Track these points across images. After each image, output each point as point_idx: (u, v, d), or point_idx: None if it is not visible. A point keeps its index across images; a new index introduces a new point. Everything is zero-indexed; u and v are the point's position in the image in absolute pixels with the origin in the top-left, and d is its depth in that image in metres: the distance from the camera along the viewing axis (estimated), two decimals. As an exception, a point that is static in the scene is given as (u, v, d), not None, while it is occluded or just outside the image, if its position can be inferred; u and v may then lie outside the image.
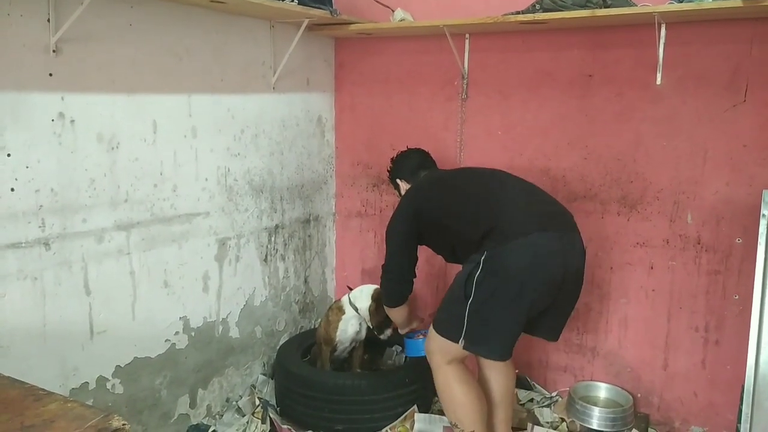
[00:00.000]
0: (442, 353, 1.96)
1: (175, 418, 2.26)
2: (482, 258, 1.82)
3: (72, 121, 1.83)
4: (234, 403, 2.51)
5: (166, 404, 2.23)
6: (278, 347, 2.69)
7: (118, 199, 1.98)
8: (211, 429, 2.29)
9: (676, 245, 2.28)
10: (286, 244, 2.75)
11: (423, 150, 2.39)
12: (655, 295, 2.34)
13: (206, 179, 2.29)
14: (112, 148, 1.95)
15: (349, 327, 2.53)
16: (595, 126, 2.38)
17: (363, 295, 2.52)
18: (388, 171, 2.42)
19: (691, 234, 2.25)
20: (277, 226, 2.67)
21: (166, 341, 2.20)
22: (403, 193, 2.31)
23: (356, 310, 2.50)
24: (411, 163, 2.34)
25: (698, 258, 2.24)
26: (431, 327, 1.99)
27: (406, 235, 2.12)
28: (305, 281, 2.91)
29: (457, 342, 1.87)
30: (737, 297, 2.18)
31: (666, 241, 2.29)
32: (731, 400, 1.84)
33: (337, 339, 2.53)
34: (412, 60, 2.75)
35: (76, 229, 1.86)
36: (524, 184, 2.07)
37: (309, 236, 2.90)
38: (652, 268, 2.33)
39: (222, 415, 2.45)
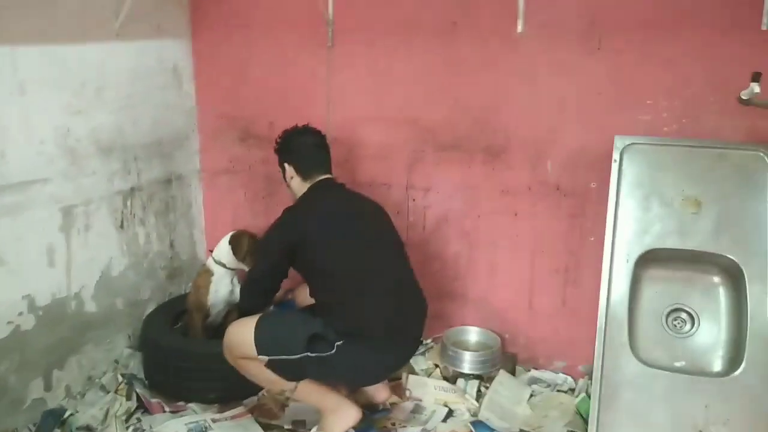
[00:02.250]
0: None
1: (28, 404, 2.07)
2: (336, 344, 1.88)
3: None
4: (97, 380, 2.34)
5: (16, 390, 2.02)
6: (144, 318, 2.52)
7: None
8: (68, 412, 2.11)
9: (538, 192, 2.35)
10: (145, 208, 2.54)
11: (318, 133, 2.18)
12: (520, 241, 2.42)
13: (41, 142, 2.03)
14: None
15: (221, 287, 2.41)
16: (461, 76, 2.36)
17: (222, 248, 2.40)
18: (275, 146, 2.20)
19: (551, 181, 2.33)
20: (132, 189, 2.45)
21: (8, 323, 1.97)
22: (288, 179, 2.15)
23: (223, 266, 2.39)
24: (305, 152, 2.14)
25: (558, 203, 2.33)
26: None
27: (281, 254, 2.01)
28: (171, 245, 2.73)
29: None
30: (593, 239, 2.30)
31: (528, 189, 2.36)
32: (590, 335, 1.97)
33: (209, 303, 2.41)
34: (275, 3, 2.57)
35: None
36: (398, 272, 2.06)
37: (172, 197, 2.70)
38: (516, 215, 2.40)
39: (84, 395, 2.28)
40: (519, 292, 2.48)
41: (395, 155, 2.53)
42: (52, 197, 2.09)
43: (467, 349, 2.44)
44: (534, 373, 2.48)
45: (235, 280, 2.45)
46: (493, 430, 2.11)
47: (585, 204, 2.29)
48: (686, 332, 2.01)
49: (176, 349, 2.30)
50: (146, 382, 2.37)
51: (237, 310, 2.49)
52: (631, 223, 2.00)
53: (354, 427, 2.04)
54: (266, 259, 2.08)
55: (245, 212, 2.85)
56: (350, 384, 2.15)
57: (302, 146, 2.14)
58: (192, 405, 2.27)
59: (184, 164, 2.75)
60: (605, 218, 2.02)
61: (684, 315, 2.02)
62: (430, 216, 2.54)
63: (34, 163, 2.01)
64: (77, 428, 2.09)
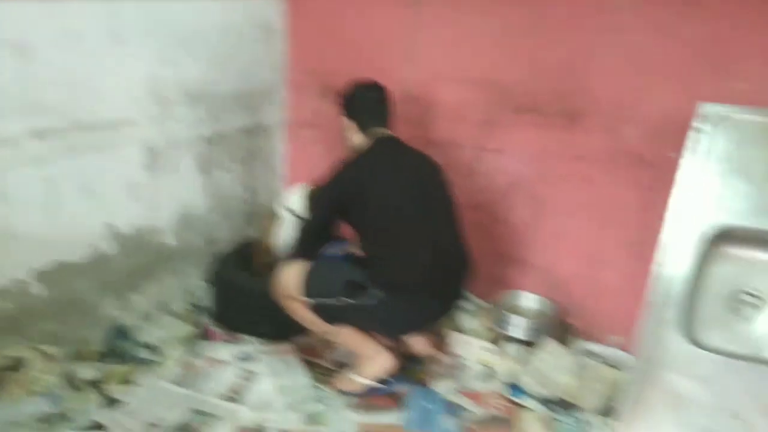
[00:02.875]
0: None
1: (102, 319, 2.36)
2: (376, 295, 1.96)
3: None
4: (169, 307, 2.61)
5: (93, 306, 2.30)
6: (220, 256, 2.75)
7: (34, 107, 1.95)
8: (136, 330, 2.38)
9: (614, 160, 2.23)
10: (229, 154, 2.73)
11: (381, 88, 2.22)
12: (591, 210, 2.33)
13: (133, 87, 2.24)
14: (24, 55, 1.89)
15: (288, 234, 2.55)
16: (543, 36, 2.27)
17: (295, 197, 2.53)
18: (337, 98, 2.28)
19: (630, 149, 2.20)
20: (217, 136, 2.64)
21: (90, 246, 2.24)
22: (347, 131, 2.23)
23: (292, 212, 2.52)
24: (366, 106, 2.21)
25: (635, 173, 2.20)
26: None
27: (334, 205, 2.11)
28: (252, 192, 2.92)
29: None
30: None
31: (605, 156, 2.25)
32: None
33: (274, 246, 2.58)
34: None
35: (-17, 137, 1.86)
36: (443, 230, 2.09)
37: (256, 146, 2.87)
38: (590, 182, 2.30)
39: (154, 318, 2.56)
40: (585, 263, 2.40)
41: (470, 115, 2.50)
42: (140, 138, 2.31)
43: (519, 314, 2.41)
44: (589, 345, 2.43)
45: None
46: (530, 394, 2.10)
47: (664, 175, 2.11)
48: (748, 317, 1.83)
49: (237, 285, 2.51)
50: (212, 312, 2.61)
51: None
52: (707, 197, 1.82)
53: (390, 376, 2.13)
54: (321, 209, 2.17)
55: (324, 165, 2.95)
56: (387, 334, 2.23)
57: (363, 100, 2.19)
58: (247, 337, 2.48)
59: (269, 116, 2.90)
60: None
61: (751, 299, 1.83)
62: (500, 179, 2.51)
63: (126, 106, 2.23)
64: (142, 344, 2.37)
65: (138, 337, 2.37)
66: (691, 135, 1.83)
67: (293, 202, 2.55)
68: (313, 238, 2.22)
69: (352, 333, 2.11)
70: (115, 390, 2.06)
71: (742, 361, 1.74)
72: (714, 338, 1.83)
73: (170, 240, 2.56)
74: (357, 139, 2.21)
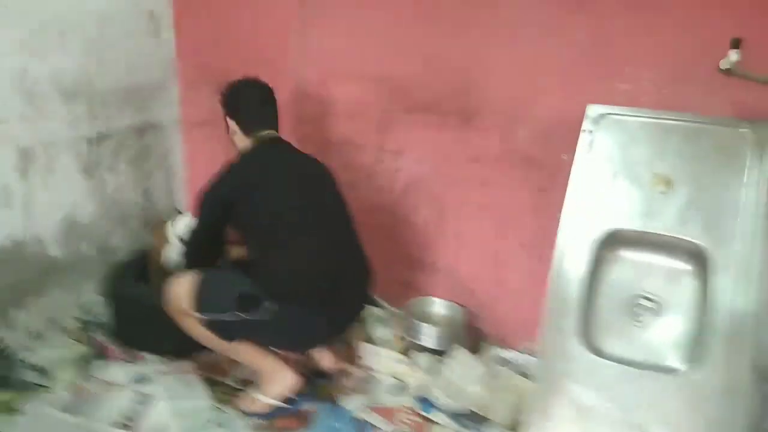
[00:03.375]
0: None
1: (-19, 342, 2.12)
2: (268, 307, 1.81)
3: None
4: (59, 324, 2.37)
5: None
6: (115, 266, 2.53)
7: None
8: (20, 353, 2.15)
9: (508, 160, 2.21)
10: (115, 155, 2.52)
11: (265, 86, 2.08)
12: (488, 211, 2.30)
13: (-5, 81, 2.02)
14: None
15: (176, 256, 2.37)
16: (438, 35, 2.21)
17: (182, 223, 2.33)
18: (219, 98, 2.14)
19: (523, 150, 2.18)
20: (100, 135, 2.43)
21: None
22: (231, 133, 2.10)
23: (181, 240, 2.35)
24: (250, 107, 2.07)
25: (528, 174, 2.19)
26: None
27: (219, 208, 1.96)
28: (145, 194, 2.72)
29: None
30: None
31: (499, 157, 2.22)
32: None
33: (164, 264, 2.39)
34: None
35: None
36: (336, 234, 1.98)
37: (146, 146, 2.67)
38: (485, 183, 2.27)
39: (42, 336, 2.32)
40: (486, 265, 2.37)
41: (368, 115, 2.42)
42: (8, 137, 2.08)
43: (429, 322, 2.36)
44: (500, 352, 2.37)
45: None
46: (439, 408, 2.04)
47: (556, 176, 2.13)
48: (645, 323, 1.86)
49: (134, 298, 2.31)
50: (109, 329, 2.40)
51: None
52: (596, 199, 1.84)
53: (296, 393, 2.00)
54: (205, 212, 2.02)
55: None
56: (289, 348, 2.11)
57: (245, 100, 2.06)
58: (148, 354, 2.29)
59: (161, 113, 2.72)
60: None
61: (645, 303, 1.87)
62: (400, 179, 2.44)
63: (-12, 104, 2.01)
64: (29, 366, 2.13)
65: (25, 358, 2.13)
66: (581, 136, 1.84)
67: (181, 229, 2.37)
68: (202, 246, 2.07)
69: (251, 349, 1.97)
70: (-6, 421, 1.83)
71: (640, 369, 1.72)
72: (614, 346, 1.81)
73: (54, 251, 2.33)
74: (240, 140, 2.08)
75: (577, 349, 1.79)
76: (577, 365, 1.77)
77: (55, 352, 2.20)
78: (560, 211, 2.13)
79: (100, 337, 2.31)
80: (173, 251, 2.35)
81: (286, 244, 1.88)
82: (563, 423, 1.77)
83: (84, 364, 2.18)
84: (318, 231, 1.92)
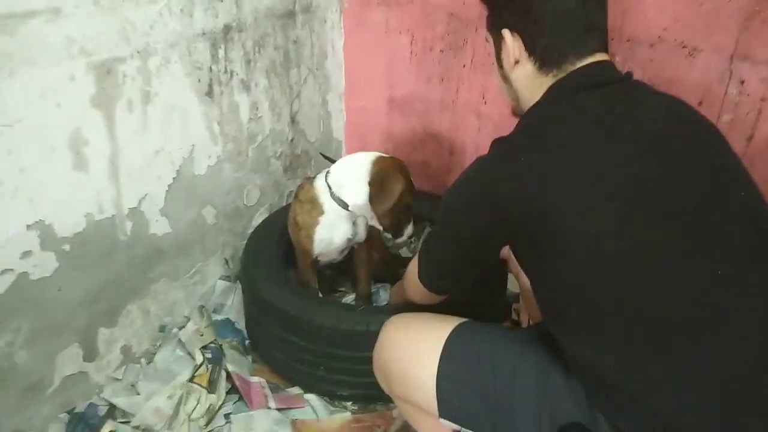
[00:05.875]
0: None
1: (55, 386, 1.29)
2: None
3: None
4: (174, 332, 1.53)
5: (32, 372, 1.24)
6: (249, 235, 1.61)
7: None
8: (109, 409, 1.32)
9: None
10: (249, 61, 1.51)
11: None
12: None
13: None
14: None
15: (335, 234, 1.42)
16: None
17: (352, 178, 1.33)
18: None
19: None
20: (227, 28, 1.41)
21: (4, 272, 1.13)
22: (506, 62, 0.94)
23: (344, 206, 1.36)
24: (556, 6, 0.88)
25: None
26: None
27: (481, 232, 0.90)
28: (291, 121, 1.73)
29: None
30: None
31: None
32: None
33: (315, 251, 1.44)
34: None
35: None
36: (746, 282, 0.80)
37: (294, 42, 1.64)
38: None
39: (154, 356, 1.49)
40: None
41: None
42: (74, 43, 1.11)
43: None
44: None
45: (362, 223, 1.45)
46: None
47: None
48: None
49: (281, 312, 1.36)
50: (246, 341, 1.54)
51: (365, 249, 1.53)
52: None
53: None
54: (451, 236, 0.96)
55: (408, 71, 1.74)
56: None
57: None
58: (310, 397, 1.43)
59: (315, -13, 1.65)
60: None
61: None
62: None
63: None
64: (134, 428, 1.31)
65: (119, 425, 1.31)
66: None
67: (348, 185, 1.34)
68: (444, 277, 1.03)
69: None
70: None
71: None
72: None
73: (158, 227, 1.42)
74: (526, 79, 0.93)
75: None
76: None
77: (169, 401, 1.37)
78: None
79: (233, 367, 1.43)
80: (332, 225, 1.40)
81: (653, 326, 0.77)
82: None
83: (215, 416, 1.36)
84: (722, 287, 0.77)
